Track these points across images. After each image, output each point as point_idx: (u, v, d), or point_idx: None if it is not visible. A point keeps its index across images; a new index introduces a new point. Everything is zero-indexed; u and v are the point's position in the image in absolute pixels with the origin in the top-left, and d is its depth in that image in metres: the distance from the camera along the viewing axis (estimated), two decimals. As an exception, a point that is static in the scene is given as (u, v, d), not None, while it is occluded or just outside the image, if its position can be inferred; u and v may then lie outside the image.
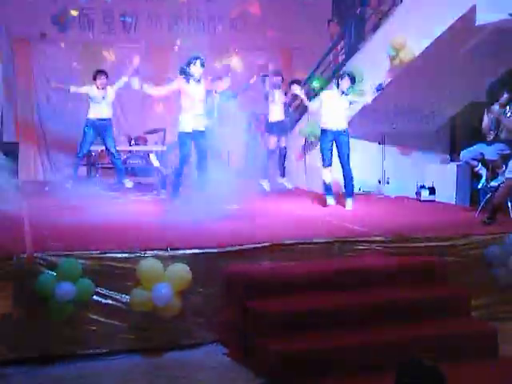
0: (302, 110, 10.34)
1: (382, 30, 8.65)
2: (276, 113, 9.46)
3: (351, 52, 9.43)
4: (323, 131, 7.53)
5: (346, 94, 7.49)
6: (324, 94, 7.76)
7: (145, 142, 10.74)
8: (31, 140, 11.87)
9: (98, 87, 8.71)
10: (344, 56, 9.79)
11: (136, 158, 10.20)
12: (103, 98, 8.70)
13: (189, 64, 6.88)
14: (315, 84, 10.13)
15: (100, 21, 12.28)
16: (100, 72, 8.82)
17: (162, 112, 12.18)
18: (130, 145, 10.37)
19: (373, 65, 8.57)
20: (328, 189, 7.59)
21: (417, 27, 7.74)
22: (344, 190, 7.61)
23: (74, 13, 11.98)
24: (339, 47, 10.10)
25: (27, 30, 11.56)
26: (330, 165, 7.50)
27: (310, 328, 4.31)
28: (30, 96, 11.90)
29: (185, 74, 6.88)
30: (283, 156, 9.52)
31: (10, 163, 7.46)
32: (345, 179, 7.51)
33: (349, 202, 7.44)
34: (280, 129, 9.43)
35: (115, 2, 12.23)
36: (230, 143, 10.34)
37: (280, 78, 9.61)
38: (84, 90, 8.84)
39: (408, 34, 7.81)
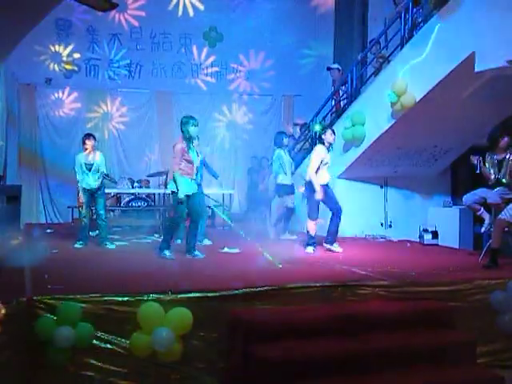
0: (305, 153, 10.42)
1: (383, 75, 8.78)
2: (282, 175, 9.12)
3: (353, 97, 9.56)
4: (324, 186, 7.58)
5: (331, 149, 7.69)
6: (322, 153, 7.65)
7: (147, 184, 10.80)
8: (34, 183, 11.96)
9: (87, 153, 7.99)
10: (346, 101, 9.92)
11: (138, 200, 10.23)
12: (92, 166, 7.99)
13: (186, 125, 6.86)
14: (317, 129, 10.23)
15: (105, 67, 12.53)
16: (88, 135, 8.12)
17: (165, 155, 12.32)
18: (133, 187, 10.42)
19: (374, 109, 8.68)
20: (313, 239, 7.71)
21: (417, 73, 7.86)
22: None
23: (79, 59, 12.23)
24: (341, 92, 10.24)
25: (33, 76, 11.80)
26: (317, 217, 7.63)
27: (310, 375, 4.22)
28: (35, 140, 12.05)
29: (187, 139, 6.88)
30: (288, 215, 9.25)
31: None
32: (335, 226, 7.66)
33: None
34: (286, 191, 9.17)
35: (120, 52, 12.53)
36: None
37: (287, 138, 9.43)
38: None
39: (409, 79, 7.93)
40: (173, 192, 6.85)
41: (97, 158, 8.02)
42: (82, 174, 7.96)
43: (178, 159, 6.76)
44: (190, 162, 6.84)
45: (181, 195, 6.71)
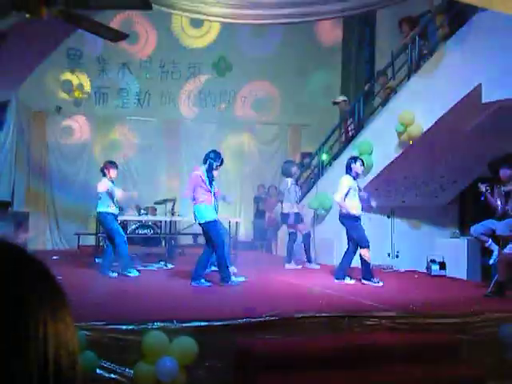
0: (312, 182, 10.44)
1: (391, 105, 8.83)
2: (286, 205, 9.14)
3: (360, 127, 9.61)
4: (357, 217, 7.46)
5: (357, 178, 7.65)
6: (349, 182, 7.52)
7: (154, 212, 10.80)
8: (41, 209, 11.99)
9: (112, 180, 7.98)
10: (353, 131, 9.97)
11: (145, 228, 10.23)
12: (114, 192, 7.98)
13: (213, 160, 7.03)
14: (324, 158, 10.29)
15: (114, 96, 12.66)
16: (114, 163, 8.18)
17: (172, 183, 12.36)
18: (140, 215, 10.42)
19: (381, 139, 8.70)
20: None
21: (424, 103, 7.90)
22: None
23: (89, 88, 12.40)
24: (348, 122, 10.29)
25: (44, 104, 11.94)
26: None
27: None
28: (44, 166, 12.12)
29: (208, 171, 7.06)
30: (306, 243, 9.18)
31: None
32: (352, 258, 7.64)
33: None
34: (290, 220, 9.15)
35: (129, 81, 12.66)
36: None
37: (295, 168, 9.50)
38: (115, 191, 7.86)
39: (416, 110, 7.96)
40: (205, 222, 6.97)
41: (120, 194, 8.07)
42: (110, 200, 7.83)
43: (193, 187, 6.97)
44: (208, 190, 6.98)
45: (213, 218, 6.95)
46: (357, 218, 7.44)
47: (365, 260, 7.39)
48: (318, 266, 8.98)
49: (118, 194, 8.02)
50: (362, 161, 7.74)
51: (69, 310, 0.77)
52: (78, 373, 0.76)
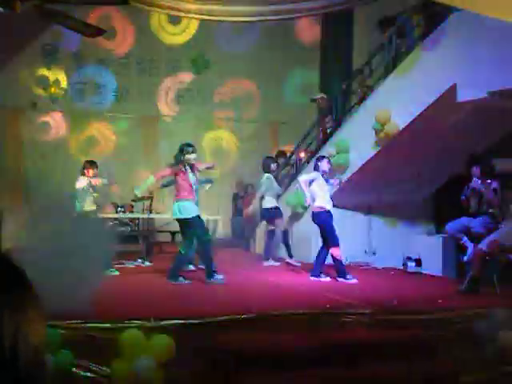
0: (290, 180, 10.47)
1: (368, 103, 8.89)
2: (267, 199, 9.23)
3: (338, 125, 9.65)
4: (329, 212, 7.57)
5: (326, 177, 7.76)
6: (315, 175, 7.70)
7: (131, 209, 10.74)
8: (17, 208, 11.82)
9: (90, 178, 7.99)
10: (331, 129, 10.01)
11: (122, 225, 10.17)
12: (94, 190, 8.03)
13: (182, 152, 7.01)
14: (302, 156, 10.33)
15: (91, 92, 12.54)
16: (93, 163, 8.14)
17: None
18: (117, 212, 10.35)
19: (359, 137, 8.76)
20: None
21: (401, 102, 7.97)
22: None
23: (65, 84, 12.27)
24: (326, 120, 10.33)
25: (19, 100, 11.77)
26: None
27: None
28: (18, 164, 11.96)
29: (181, 162, 7.03)
30: (285, 239, 9.27)
31: None
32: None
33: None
34: (271, 215, 9.23)
35: (107, 77, 12.56)
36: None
37: (275, 164, 9.59)
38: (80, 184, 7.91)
39: (392, 109, 8.03)
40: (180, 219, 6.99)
41: (98, 183, 8.00)
42: (88, 197, 7.82)
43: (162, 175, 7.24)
44: (189, 184, 6.95)
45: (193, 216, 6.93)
46: (329, 214, 7.50)
47: (336, 258, 7.47)
48: (299, 264, 9.02)
49: (97, 182, 7.97)
50: (329, 160, 7.89)
51: (34, 305, 0.75)
52: (44, 367, 0.75)
